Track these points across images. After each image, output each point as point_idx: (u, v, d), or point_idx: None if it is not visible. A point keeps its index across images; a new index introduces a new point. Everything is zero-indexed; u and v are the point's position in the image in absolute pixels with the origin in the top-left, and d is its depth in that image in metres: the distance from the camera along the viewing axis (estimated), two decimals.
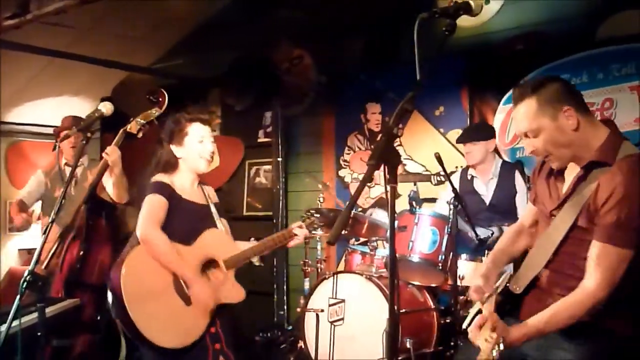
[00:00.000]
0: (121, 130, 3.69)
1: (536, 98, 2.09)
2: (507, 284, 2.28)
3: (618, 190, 2.01)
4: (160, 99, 3.75)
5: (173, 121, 3.01)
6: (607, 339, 2.11)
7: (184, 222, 2.88)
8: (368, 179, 1.77)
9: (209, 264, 2.93)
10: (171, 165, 2.96)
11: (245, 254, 3.00)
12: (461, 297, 3.61)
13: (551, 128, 2.08)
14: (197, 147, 2.94)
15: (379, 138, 3.68)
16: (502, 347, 1.94)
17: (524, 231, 2.52)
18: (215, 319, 2.84)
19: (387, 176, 1.77)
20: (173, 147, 2.96)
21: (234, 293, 2.92)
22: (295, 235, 3.11)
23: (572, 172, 2.21)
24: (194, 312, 2.77)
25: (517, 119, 2.16)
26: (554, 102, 2.07)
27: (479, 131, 4.24)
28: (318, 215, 3.36)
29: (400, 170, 4.96)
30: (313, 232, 3.73)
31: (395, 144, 1.87)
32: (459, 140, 4.32)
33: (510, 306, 2.28)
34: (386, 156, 1.75)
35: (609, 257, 2.02)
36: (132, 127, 3.69)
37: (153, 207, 2.80)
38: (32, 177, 4.74)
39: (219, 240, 2.98)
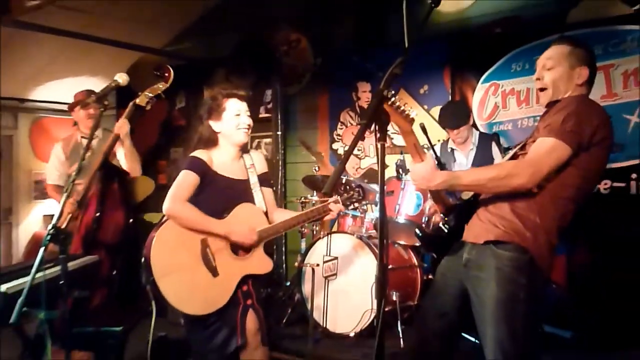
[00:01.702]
0: (130, 104, 3.64)
1: (572, 48, 2.27)
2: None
3: (561, 106, 2.16)
4: (166, 74, 3.70)
5: (211, 97, 2.83)
6: (529, 267, 2.10)
7: (216, 198, 2.71)
8: (360, 136, 1.76)
9: None
10: (211, 140, 2.80)
11: (276, 229, 2.80)
12: None
13: (565, 70, 2.24)
14: (234, 120, 2.77)
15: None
16: None
17: None
18: (248, 278, 2.71)
19: (378, 134, 1.76)
20: (211, 123, 2.79)
21: (261, 264, 2.77)
22: (331, 210, 2.87)
23: None
24: (219, 282, 2.63)
25: (547, 51, 2.32)
26: (580, 59, 2.25)
27: (462, 113, 4.06)
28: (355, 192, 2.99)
29: (388, 143, 4.94)
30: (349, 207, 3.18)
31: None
32: (447, 126, 4.10)
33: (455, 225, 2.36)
34: (377, 116, 1.74)
35: (541, 146, 2.09)
36: (141, 100, 3.64)
37: (182, 182, 2.64)
38: (52, 156, 4.59)
39: (250, 214, 2.76)
